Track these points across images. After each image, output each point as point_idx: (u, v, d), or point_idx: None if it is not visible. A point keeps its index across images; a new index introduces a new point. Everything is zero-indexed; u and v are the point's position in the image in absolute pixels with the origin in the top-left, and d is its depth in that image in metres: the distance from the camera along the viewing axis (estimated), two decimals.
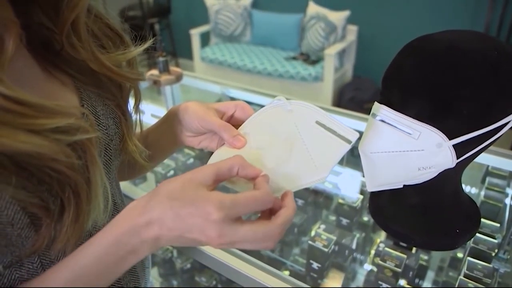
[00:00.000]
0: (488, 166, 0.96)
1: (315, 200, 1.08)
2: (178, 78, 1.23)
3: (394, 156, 0.52)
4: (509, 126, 0.49)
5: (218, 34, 3.64)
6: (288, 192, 0.43)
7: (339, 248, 0.91)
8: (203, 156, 1.22)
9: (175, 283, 1.28)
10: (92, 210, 0.40)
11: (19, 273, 0.39)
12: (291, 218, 0.40)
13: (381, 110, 0.52)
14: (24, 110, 0.33)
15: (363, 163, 0.57)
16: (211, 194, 0.37)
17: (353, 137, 0.47)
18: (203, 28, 3.62)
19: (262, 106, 0.52)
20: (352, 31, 3.19)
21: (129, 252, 0.38)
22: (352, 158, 1.08)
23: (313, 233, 0.89)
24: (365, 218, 1.03)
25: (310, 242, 0.86)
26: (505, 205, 0.88)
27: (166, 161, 1.18)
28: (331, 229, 0.90)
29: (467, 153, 0.51)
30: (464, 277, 0.70)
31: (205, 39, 3.65)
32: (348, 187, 1.05)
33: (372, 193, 0.64)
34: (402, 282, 0.84)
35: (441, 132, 0.48)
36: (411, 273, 0.83)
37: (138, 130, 0.57)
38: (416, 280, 0.92)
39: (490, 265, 0.71)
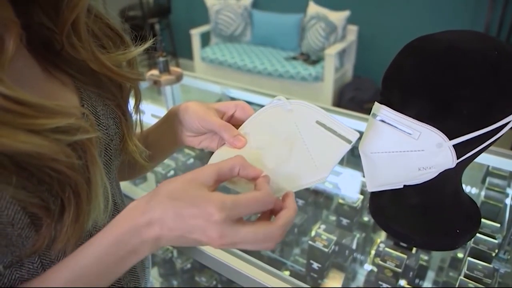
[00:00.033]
0: (488, 166, 0.96)
1: (316, 200, 1.08)
2: (178, 78, 1.23)
3: (394, 156, 0.52)
4: (510, 126, 0.49)
5: (218, 34, 3.64)
6: (289, 193, 0.43)
7: (340, 248, 0.91)
8: (204, 156, 1.22)
9: (175, 283, 1.28)
10: (92, 210, 0.40)
11: (19, 273, 0.39)
12: (292, 219, 0.40)
13: (381, 110, 0.52)
14: (24, 110, 0.33)
15: (364, 163, 0.57)
16: (212, 195, 0.37)
17: (354, 137, 0.47)
18: (204, 28, 3.63)
19: (262, 106, 0.52)
20: (352, 31, 3.20)
21: (130, 252, 0.38)
22: (353, 158, 1.08)
23: (313, 233, 0.89)
24: (366, 218, 1.03)
25: (310, 242, 0.86)
26: (506, 205, 0.88)
27: (166, 161, 1.18)
28: (331, 229, 0.90)
29: (467, 153, 0.51)
30: (464, 277, 0.69)
31: (205, 39, 3.65)
32: (349, 187, 1.05)
33: (373, 193, 0.64)
34: (402, 282, 0.84)
35: (441, 132, 0.48)
36: (411, 273, 0.83)
37: (138, 130, 0.57)
38: (416, 280, 0.92)
39: (491, 265, 0.71)
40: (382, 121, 0.52)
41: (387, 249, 0.83)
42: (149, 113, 1.29)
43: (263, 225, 0.38)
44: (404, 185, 0.54)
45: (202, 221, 0.36)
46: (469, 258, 0.72)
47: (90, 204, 0.39)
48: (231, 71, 3.39)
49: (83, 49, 0.44)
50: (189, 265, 1.19)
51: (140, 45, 0.51)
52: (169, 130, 0.57)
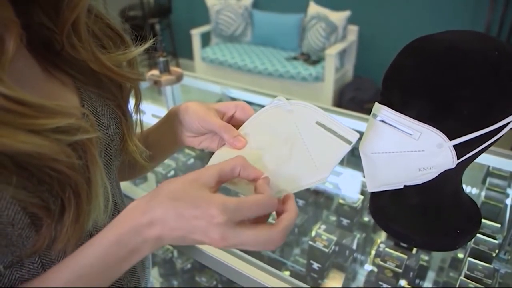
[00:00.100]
0: (489, 166, 0.96)
1: (316, 200, 1.08)
2: (179, 78, 1.23)
3: (395, 156, 0.52)
4: (510, 127, 0.49)
5: (218, 34, 3.64)
6: (289, 195, 0.43)
7: (340, 248, 0.91)
8: (204, 156, 1.22)
9: (175, 283, 1.28)
10: (93, 210, 0.40)
11: (19, 273, 0.39)
12: (293, 222, 0.40)
13: (381, 111, 0.52)
14: (24, 110, 0.33)
15: (364, 164, 0.57)
16: (214, 197, 0.37)
17: (353, 137, 0.47)
18: (204, 28, 3.63)
19: (262, 106, 0.52)
20: (353, 31, 3.19)
21: (130, 251, 0.38)
22: (353, 159, 1.07)
23: (313, 233, 0.89)
24: (366, 219, 1.03)
25: (310, 242, 0.86)
26: (506, 205, 0.88)
27: (167, 161, 1.18)
28: (331, 229, 0.90)
29: (467, 153, 0.51)
30: (464, 277, 0.69)
31: (205, 39, 3.65)
32: (349, 187, 1.05)
33: (373, 193, 0.64)
34: (403, 282, 0.84)
35: (441, 133, 0.48)
36: (411, 273, 0.83)
37: (138, 130, 0.57)
38: (417, 281, 0.92)
39: (491, 266, 0.71)
40: (383, 121, 0.52)
41: (387, 249, 0.82)
42: (149, 113, 1.29)
43: (265, 229, 0.38)
44: (405, 186, 0.54)
45: (204, 222, 0.36)
46: (470, 259, 0.72)
47: (90, 204, 0.39)
48: (232, 71, 3.39)
49: (83, 49, 0.44)
50: (189, 265, 1.19)
51: (140, 45, 0.51)
52: (169, 131, 0.57)
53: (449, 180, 0.56)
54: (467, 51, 0.47)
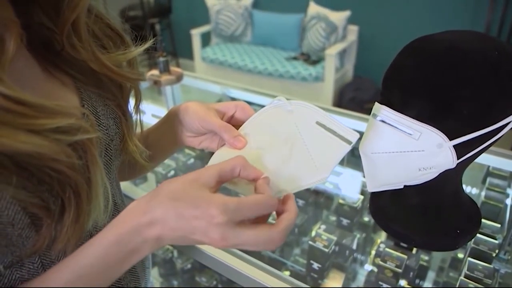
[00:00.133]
0: (489, 166, 0.96)
1: (316, 200, 1.08)
2: (179, 78, 1.23)
3: (395, 156, 0.52)
4: (510, 127, 0.49)
5: (218, 34, 3.64)
6: (289, 195, 0.43)
7: (340, 248, 0.91)
8: (204, 156, 1.22)
9: (175, 283, 1.28)
10: (93, 210, 0.40)
11: (19, 273, 0.39)
12: (293, 222, 0.40)
13: (381, 111, 0.52)
14: (24, 110, 0.33)
15: (364, 164, 0.57)
16: (214, 197, 0.37)
17: (353, 138, 0.47)
18: (204, 28, 3.63)
19: (262, 106, 0.52)
20: (353, 31, 3.19)
21: (130, 251, 0.38)
22: (353, 159, 1.08)
23: (313, 233, 0.89)
24: (366, 219, 1.03)
25: (310, 242, 0.86)
26: (506, 205, 0.88)
27: (167, 161, 1.18)
28: (331, 229, 0.90)
29: (467, 153, 0.51)
30: (464, 277, 0.69)
31: (205, 39, 3.65)
32: (349, 187, 1.05)
33: (373, 193, 0.64)
34: (403, 282, 0.84)
35: (441, 133, 0.48)
36: (411, 273, 0.83)
37: (138, 130, 0.57)
38: (417, 281, 0.92)
39: (491, 266, 0.71)
40: (383, 121, 0.52)
41: (387, 249, 0.83)
42: (149, 113, 1.29)
43: (265, 229, 0.38)
44: (405, 186, 0.54)
45: (204, 222, 0.36)
46: (470, 259, 0.72)
47: (90, 204, 0.39)
48: (232, 71, 3.39)
49: (84, 49, 0.44)
50: (189, 265, 1.19)
51: (140, 45, 0.51)
52: (169, 130, 0.57)
53: (449, 180, 0.56)
54: (467, 51, 0.47)
